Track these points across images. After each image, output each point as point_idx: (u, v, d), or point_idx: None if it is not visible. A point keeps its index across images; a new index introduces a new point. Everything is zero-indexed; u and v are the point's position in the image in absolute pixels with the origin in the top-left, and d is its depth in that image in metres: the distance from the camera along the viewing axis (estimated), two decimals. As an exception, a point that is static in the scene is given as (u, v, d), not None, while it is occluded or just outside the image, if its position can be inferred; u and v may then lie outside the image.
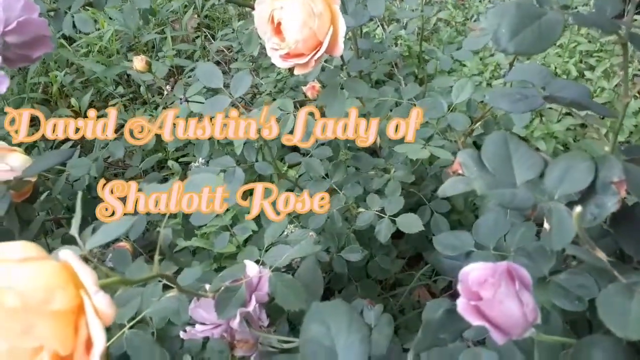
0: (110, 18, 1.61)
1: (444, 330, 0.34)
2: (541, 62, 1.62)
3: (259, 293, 0.54)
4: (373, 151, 1.05)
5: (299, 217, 0.85)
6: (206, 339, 0.71)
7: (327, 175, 0.87)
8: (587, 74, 1.58)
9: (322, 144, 0.89)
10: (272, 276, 0.53)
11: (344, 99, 0.72)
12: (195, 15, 2.01)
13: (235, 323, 0.53)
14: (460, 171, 0.38)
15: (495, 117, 1.05)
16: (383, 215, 0.79)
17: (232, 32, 1.76)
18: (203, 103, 0.94)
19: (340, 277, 0.86)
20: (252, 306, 0.53)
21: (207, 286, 0.56)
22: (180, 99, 0.91)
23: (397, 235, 0.87)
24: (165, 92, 1.47)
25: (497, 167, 0.38)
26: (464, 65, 1.72)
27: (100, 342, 0.31)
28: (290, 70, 1.61)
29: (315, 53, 0.67)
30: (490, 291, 0.29)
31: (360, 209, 0.81)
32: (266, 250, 0.63)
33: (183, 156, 1.37)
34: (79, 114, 1.58)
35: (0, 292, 0.29)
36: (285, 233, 0.77)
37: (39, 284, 0.31)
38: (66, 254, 0.32)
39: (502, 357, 0.41)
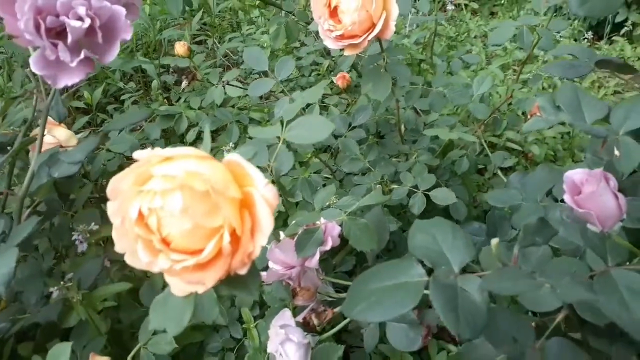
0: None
1: (539, 234, 0.40)
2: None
3: (332, 235, 0.60)
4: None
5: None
6: (259, 295, 0.76)
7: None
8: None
9: (355, 127, 0.95)
10: (346, 220, 0.59)
11: (389, 80, 0.79)
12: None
13: (313, 262, 0.58)
14: (538, 114, 0.46)
15: (504, 114, 1.14)
16: (416, 191, 0.86)
17: (239, 36, 1.83)
18: (241, 87, 1.01)
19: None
20: (329, 246, 0.58)
21: (282, 233, 0.62)
22: (222, 83, 0.96)
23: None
24: (182, 87, 1.52)
25: (570, 109, 0.46)
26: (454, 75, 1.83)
27: (268, 226, 0.36)
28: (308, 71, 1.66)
29: (369, 34, 0.74)
30: (593, 186, 0.36)
31: (394, 186, 0.88)
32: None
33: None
34: (90, 106, 1.60)
35: (192, 177, 0.35)
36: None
37: (218, 175, 0.36)
38: (234, 156, 0.38)
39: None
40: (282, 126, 0.50)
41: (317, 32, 1.55)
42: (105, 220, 0.91)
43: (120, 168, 1.09)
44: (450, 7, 1.91)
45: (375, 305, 0.39)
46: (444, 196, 0.82)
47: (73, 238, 0.78)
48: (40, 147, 0.60)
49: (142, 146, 1.44)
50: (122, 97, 1.63)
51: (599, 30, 2.10)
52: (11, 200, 0.89)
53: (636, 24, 2.07)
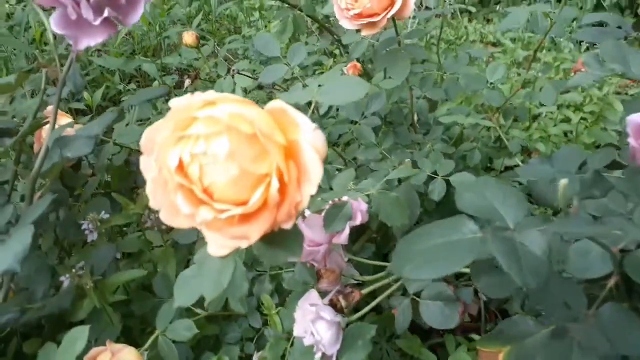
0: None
1: (595, 187, 0.38)
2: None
3: (361, 210, 0.57)
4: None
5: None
6: (277, 284, 0.74)
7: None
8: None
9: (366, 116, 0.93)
10: (376, 195, 0.56)
11: (407, 61, 0.77)
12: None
13: (342, 237, 0.55)
14: (582, 69, 0.44)
15: (515, 107, 1.13)
16: (435, 177, 0.84)
17: (241, 38, 1.82)
18: (251, 77, 0.99)
19: (392, 237, 0.89)
20: (359, 220, 0.56)
21: (307, 212, 0.59)
22: (232, 72, 0.95)
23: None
24: (185, 87, 1.50)
25: (616, 62, 0.44)
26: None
27: (317, 173, 0.34)
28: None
29: (388, 12, 0.72)
30: (660, 127, 0.34)
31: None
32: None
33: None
34: (90, 108, 1.58)
35: (238, 119, 0.32)
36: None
37: (263, 120, 0.34)
38: (278, 102, 0.35)
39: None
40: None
41: (320, 31, 1.55)
42: (114, 211, 0.88)
43: (127, 162, 1.07)
44: (448, 6, 1.91)
45: (427, 263, 0.37)
46: (465, 181, 0.80)
47: (82, 227, 0.75)
48: (55, 120, 0.57)
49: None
50: (123, 99, 1.60)
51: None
52: (14, 195, 0.86)
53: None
